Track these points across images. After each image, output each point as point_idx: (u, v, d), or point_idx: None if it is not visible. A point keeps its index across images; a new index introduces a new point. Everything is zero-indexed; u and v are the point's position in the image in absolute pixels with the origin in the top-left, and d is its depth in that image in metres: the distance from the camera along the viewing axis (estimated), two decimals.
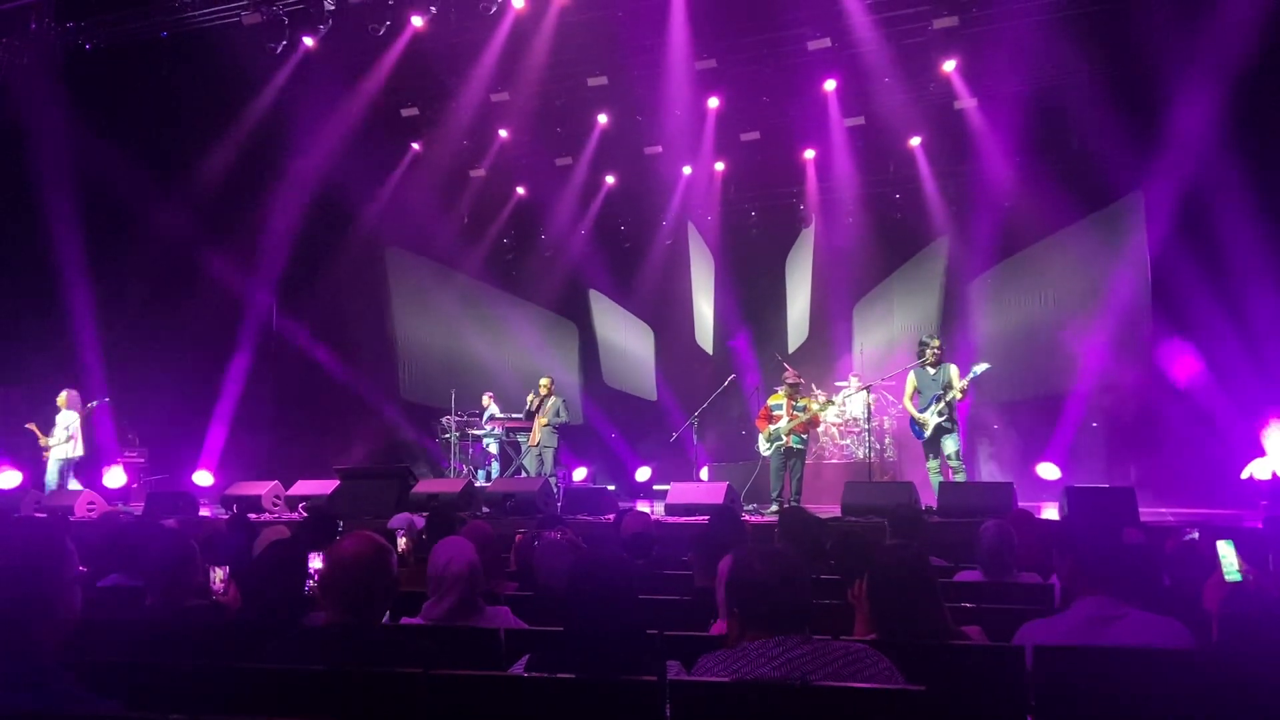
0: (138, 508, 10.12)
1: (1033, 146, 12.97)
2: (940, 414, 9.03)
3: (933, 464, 9.30)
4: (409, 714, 2.27)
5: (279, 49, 11.71)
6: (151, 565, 3.62)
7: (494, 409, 13.57)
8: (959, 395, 9.02)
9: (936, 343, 9.31)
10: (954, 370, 9.15)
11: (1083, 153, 12.54)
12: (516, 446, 13.52)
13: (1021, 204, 13.24)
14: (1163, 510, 9.06)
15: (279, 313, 14.32)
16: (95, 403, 11.56)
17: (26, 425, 11.10)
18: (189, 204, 12.51)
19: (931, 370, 9.23)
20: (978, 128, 13.00)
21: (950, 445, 9.06)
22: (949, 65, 12.15)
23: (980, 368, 9.00)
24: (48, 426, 11.24)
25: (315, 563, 3.31)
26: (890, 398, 13.10)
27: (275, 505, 10.18)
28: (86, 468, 11.88)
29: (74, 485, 10.99)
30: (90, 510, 9.54)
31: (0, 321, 11.75)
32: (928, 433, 9.11)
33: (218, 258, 12.88)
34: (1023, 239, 13.32)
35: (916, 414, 9.23)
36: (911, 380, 9.42)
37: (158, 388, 12.58)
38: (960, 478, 9.07)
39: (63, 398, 11.09)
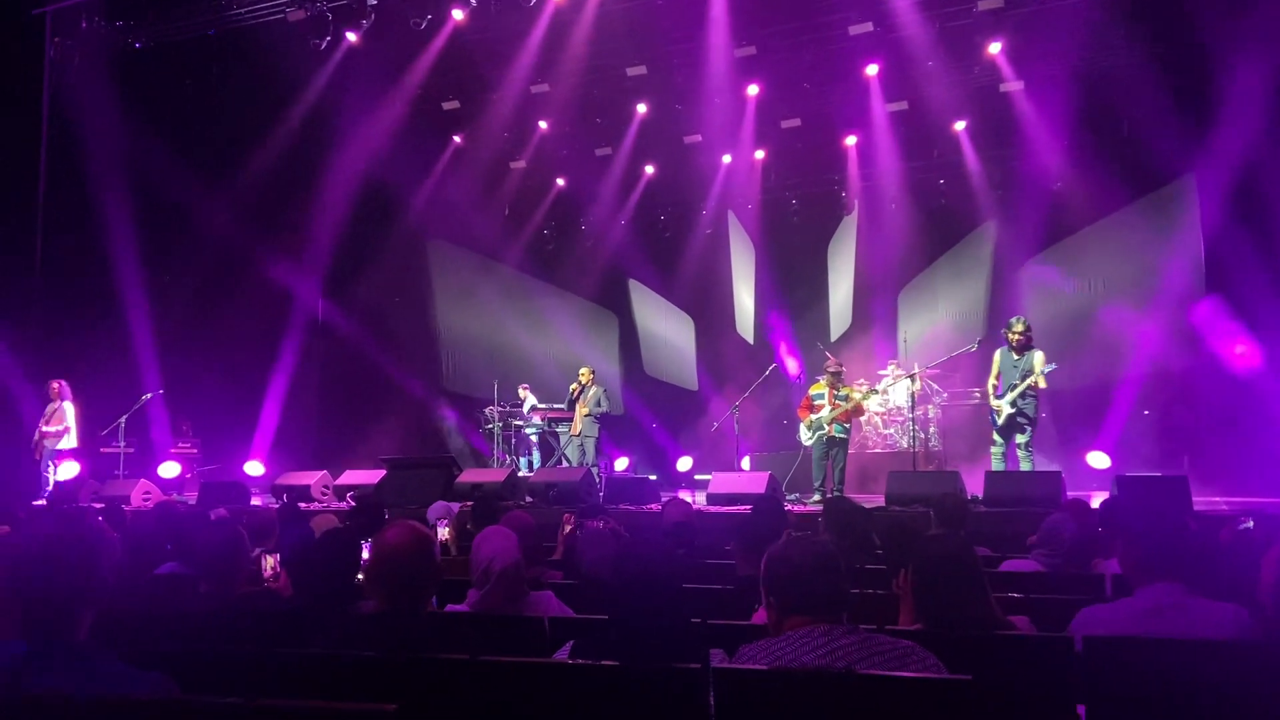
0: (192, 497, 10.35)
1: (1081, 129, 12.71)
2: (1013, 404, 8.87)
3: (998, 450, 9.15)
4: (456, 700, 2.31)
5: (323, 45, 11.88)
6: (204, 554, 3.70)
7: (532, 400, 13.64)
8: (1035, 384, 8.83)
9: (1021, 326, 9.03)
10: (1039, 357, 8.94)
11: (1133, 135, 12.26)
12: (556, 436, 13.57)
13: (1070, 188, 12.99)
14: (1216, 499, 8.86)
15: (326, 305, 14.53)
16: (149, 395, 11.82)
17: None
18: (237, 198, 12.72)
19: (1016, 356, 9.02)
20: (1024, 111, 12.77)
21: (1023, 435, 8.92)
22: (994, 48, 11.95)
23: (1048, 368, 8.83)
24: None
25: (366, 552, 3.37)
26: (935, 386, 12.95)
27: (324, 494, 10.35)
28: (141, 459, 12.16)
29: (58, 475, 10.83)
30: (146, 500, 9.77)
31: (57, 315, 12.02)
32: (1000, 420, 8.97)
33: (266, 251, 13.09)
34: (1071, 224, 13.07)
35: (992, 399, 9.10)
36: (997, 361, 9.21)
37: (209, 380, 12.82)
38: (1026, 466, 8.91)
39: (53, 388, 10.92)
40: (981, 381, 10.99)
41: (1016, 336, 8.98)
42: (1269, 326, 10.53)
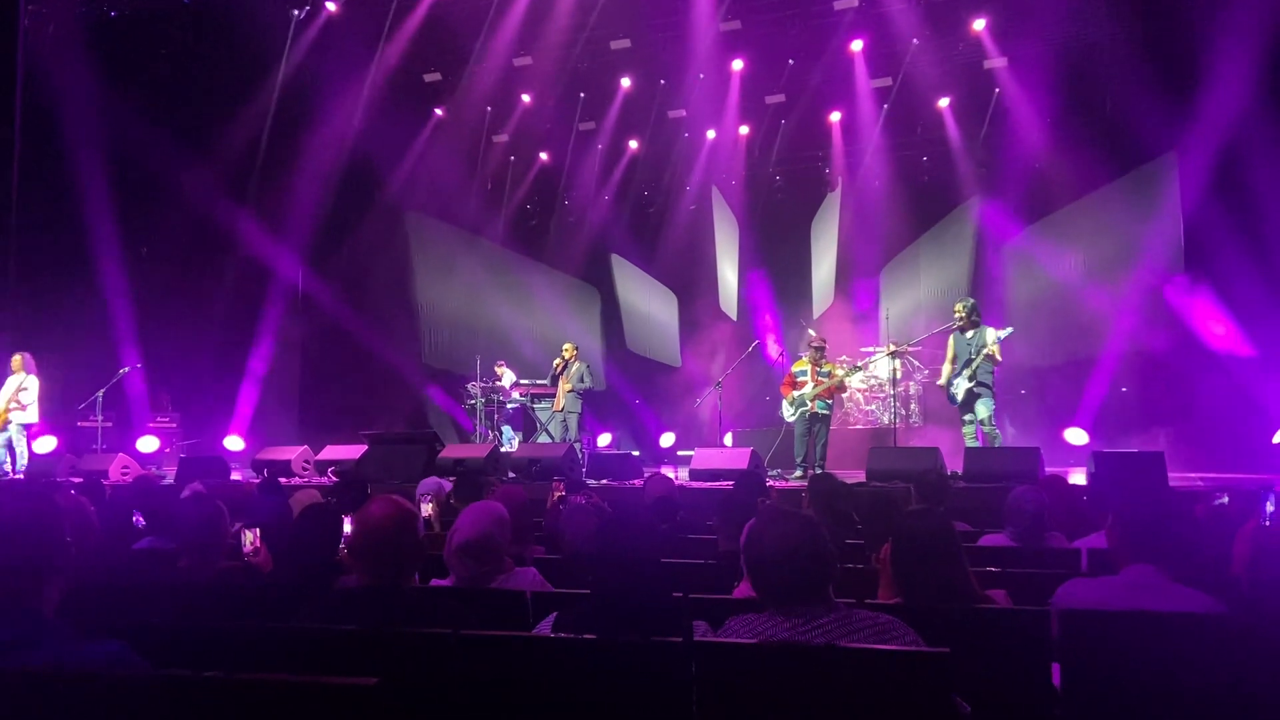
0: (171, 472, 10.28)
1: (1064, 107, 12.74)
2: (970, 379, 8.94)
3: (968, 429, 9.20)
4: (439, 674, 2.31)
5: (302, 14, 11.71)
6: (183, 529, 3.68)
7: (510, 376, 13.56)
8: (993, 360, 8.89)
9: (963, 308, 9.12)
10: (990, 333, 9.00)
11: (1115, 113, 12.32)
12: (539, 413, 13.53)
13: (1052, 165, 13.04)
14: (1192, 475, 8.97)
15: (306, 278, 14.40)
16: (126, 368, 11.71)
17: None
18: (217, 170, 12.56)
19: (968, 335, 9.08)
20: (1008, 88, 12.78)
21: (983, 410, 8.94)
22: (979, 24, 11.95)
23: (1004, 332, 8.88)
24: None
25: (348, 526, 3.35)
26: (916, 363, 13.02)
27: (305, 469, 10.31)
28: (120, 433, 12.06)
29: (35, 449, 10.60)
30: (124, 474, 9.70)
31: (34, 289, 11.87)
32: (960, 396, 9.04)
33: (246, 224, 12.95)
34: (1054, 201, 13.13)
35: (942, 382, 9.19)
36: (951, 345, 9.27)
37: (189, 353, 12.71)
38: (996, 442, 8.97)
39: (17, 360, 10.49)
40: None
41: (961, 319, 9.06)
42: (1246, 305, 10.63)
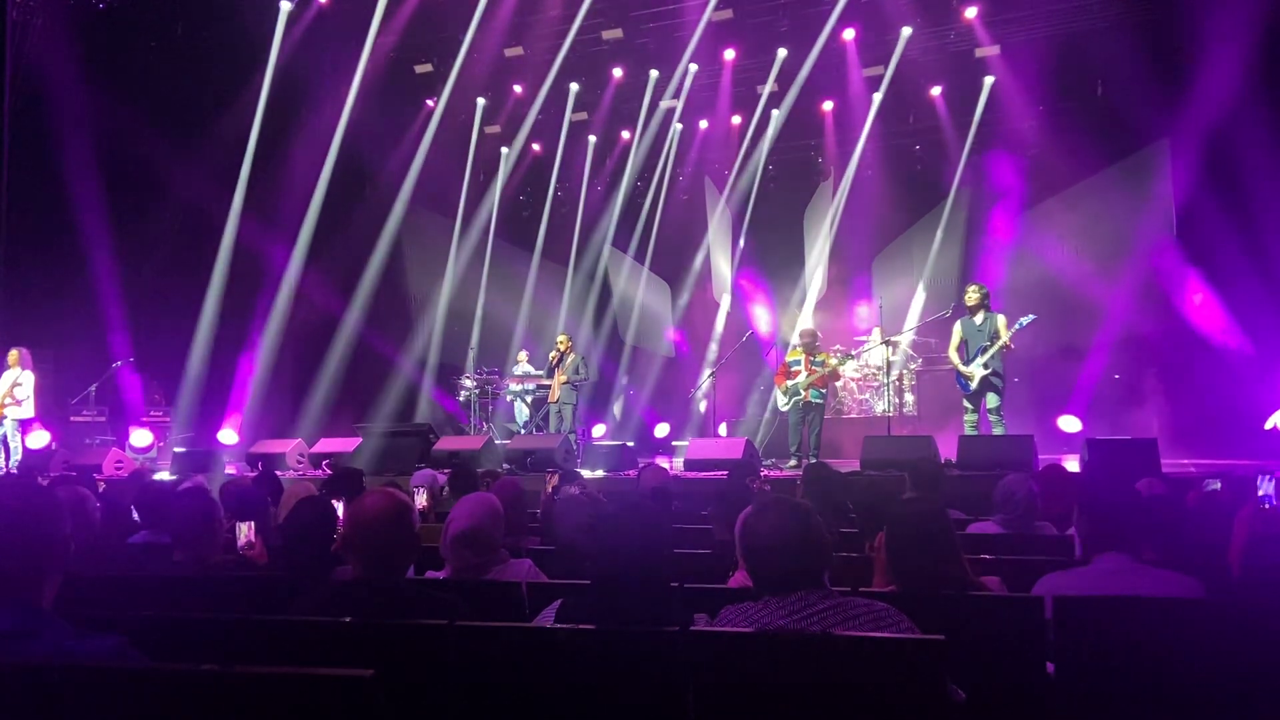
0: (164, 466, 10.26)
1: (1056, 94, 12.77)
2: (986, 366, 8.88)
3: (970, 417, 9.17)
4: (436, 665, 2.32)
5: (293, 4, 11.65)
6: (177, 522, 3.67)
7: (528, 367, 13.52)
8: (1007, 346, 8.86)
9: (976, 290, 9.07)
10: (1001, 320, 8.93)
11: (1107, 100, 12.33)
12: (537, 404, 13.54)
13: (1045, 153, 13.05)
14: (1185, 461, 9.01)
15: (300, 271, 14.34)
16: (119, 362, 11.66)
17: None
18: (208, 162, 12.49)
19: (978, 320, 9.04)
20: (1000, 76, 12.78)
21: (994, 399, 8.91)
22: (970, 12, 11.93)
23: (1026, 319, 8.77)
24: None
25: (341, 509, 3.35)
26: (910, 352, 13.03)
27: (299, 463, 10.30)
28: (113, 427, 12.02)
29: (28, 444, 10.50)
30: (118, 469, 9.68)
31: (26, 283, 11.80)
32: (974, 385, 8.98)
33: (238, 216, 12.89)
34: (1046, 189, 13.14)
35: (961, 366, 9.05)
36: (958, 330, 9.19)
37: (181, 347, 12.67)
38: (999, 431, 8.95)
39: (14, 355, 10.44)
40: None
41: (973, 301, 9.02)
42: (1238, 291, 10.66)
